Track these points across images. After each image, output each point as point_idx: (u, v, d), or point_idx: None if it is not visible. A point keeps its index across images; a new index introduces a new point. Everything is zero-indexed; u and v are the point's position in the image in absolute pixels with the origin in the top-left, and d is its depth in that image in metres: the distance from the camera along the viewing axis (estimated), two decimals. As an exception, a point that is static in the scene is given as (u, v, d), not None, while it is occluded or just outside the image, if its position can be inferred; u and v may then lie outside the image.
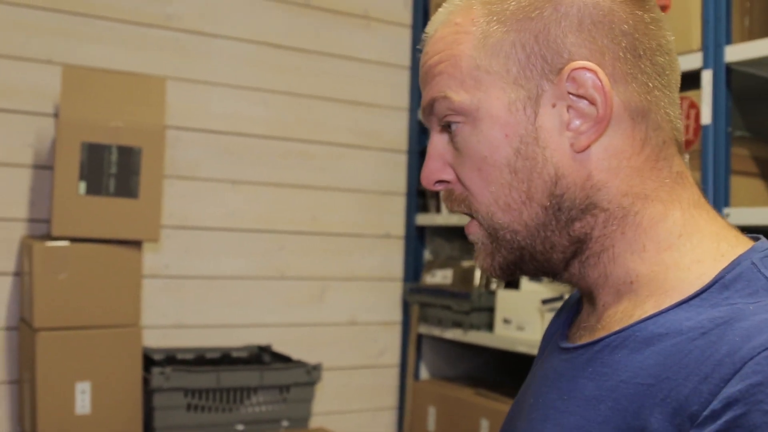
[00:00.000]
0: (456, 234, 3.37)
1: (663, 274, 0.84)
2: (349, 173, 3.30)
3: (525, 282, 2.94)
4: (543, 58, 0.86)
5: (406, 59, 3.44)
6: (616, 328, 0.85)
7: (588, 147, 0.86)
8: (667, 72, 0.89)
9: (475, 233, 0.93)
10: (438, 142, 0.94)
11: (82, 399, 2.46)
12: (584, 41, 0.86)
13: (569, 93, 0.86)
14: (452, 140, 0.91)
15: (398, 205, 3.42)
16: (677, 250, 0.85)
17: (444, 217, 3.24)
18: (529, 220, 0.88)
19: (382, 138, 3.38)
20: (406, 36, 3.44)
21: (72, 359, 2.45)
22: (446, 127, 0.92)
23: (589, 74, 0.84)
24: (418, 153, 3.40)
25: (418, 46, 0.98)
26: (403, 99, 3.43)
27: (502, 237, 0.90)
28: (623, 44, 0.86)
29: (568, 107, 0.86)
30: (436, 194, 3.30)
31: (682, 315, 0.80)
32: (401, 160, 3.43)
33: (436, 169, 0.93)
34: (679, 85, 0.92)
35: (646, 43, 0.87)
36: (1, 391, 2.68)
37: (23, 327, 2.57)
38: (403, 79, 3.43)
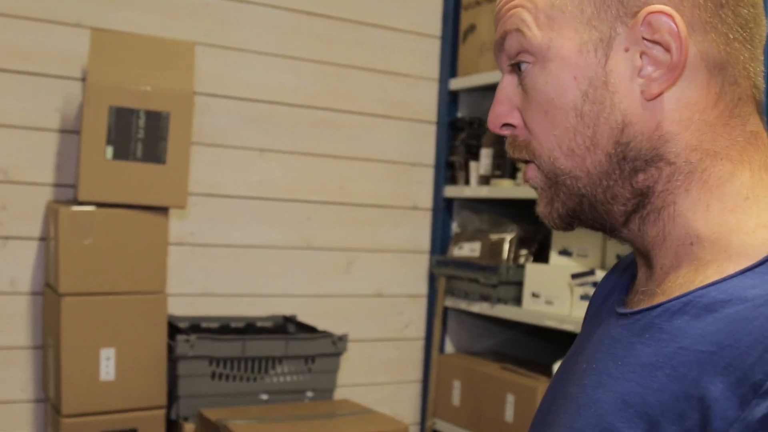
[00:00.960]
0: (484, 206, 3.33)
1: (726, 237, 0.81)
2: (378, 144, 3.26)
3: (554, 256, 2.90)
4: (619, 0, 0.83)
5: (437, 29, 3.39)
6: (677, 293, 0.81)
7: (659, 95, 0.82)
8: (750, 25, 0.85)
9: (534, 178, 0.90)
10: (507, 84, 0.91)
11: (107, 365, 2.44)
12: None
13: (643, 38, 0.82)
14: (521, 82, 0.88)
15: (426, 176, 3.38)
16: (743, 212, 0.81)
17: (472, 190, 3.20)
18: (592, 167, 0.85)
19: (412, 108, 3.34)
20: (437, 5, 3.39)
21: (97, 325, 2.44)
22: (516, 68, 0.89)
23: (665, 18, 0.81)
24: (447, 124, 3.36)
25: None
26: (434, 69, 3.38)
27: (563, 182, 0.87)
28: None
29: (642, 53, 0.82)
30: (465, 166, 3.26)
31: (746, 282, 0.76)
32: (430, 131, 3.39)
33: (503, 113, 0.91)
34: (764, 42, 0.87)
35: None
36: (26, 356, 2.68)
37: (48, 292, 2.56)
38: (434, 48, 3.38)
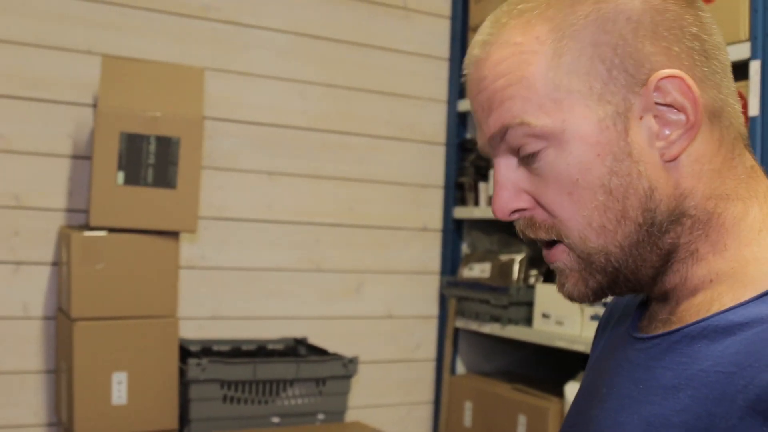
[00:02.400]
0: (494, 227, 3.34)
1: (742, 269, 0.83)
2: (387, 165, 3.28)
3: (564, 276, 2.90)
4: (625, 71, 0.84)
5: (445, 51, 3.41)
6: (694, 319, 0.83)
7: (679, 155, 0.84)
8: (728, 68, 0.88)
9: (562, 260, 0.89)
10: (507, 169, 0.90)
11: (119, 389, 2.45)
12: (661, 49, 0.84)
13: (656, 103, 0.84)
14: (529, 166, 0.87)
15: (436, 197, 3.39)
16: (757, 245, 0.84)
17: (482, 211, 3.21)
18: (623, 240, 0.85)
19: (421, 130, 3.35)
20: (445, 27, 3.41)
21: (109, 349, 2.45)
22: (518, 153, 0.88)
23: (677, 81, 0.83)
24: (456, 145, 3.37)
25: (463, 72, 0.92)
26: (442, 91, 3.40)
27: (597, 261, 0.87)
28: (696, 47, 0.85)
29: (655, 117, 0.84)
30: (475, 187, 3.27)
31: (763, 306, 0.78)
32: (439, 153, 3.40)
33: (509, 198, 0.89)
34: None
35: (711, 42, 0.86)
36: (39, 380, 2.69)
37: (61, 317, 2.58)
38: (442, 70, 3.40)
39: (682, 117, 0.83)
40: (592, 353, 1.09)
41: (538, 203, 0.88)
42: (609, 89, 0.84)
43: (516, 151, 0.88)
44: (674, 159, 0.84)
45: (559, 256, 0.89)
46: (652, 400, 0.82)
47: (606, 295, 0.90)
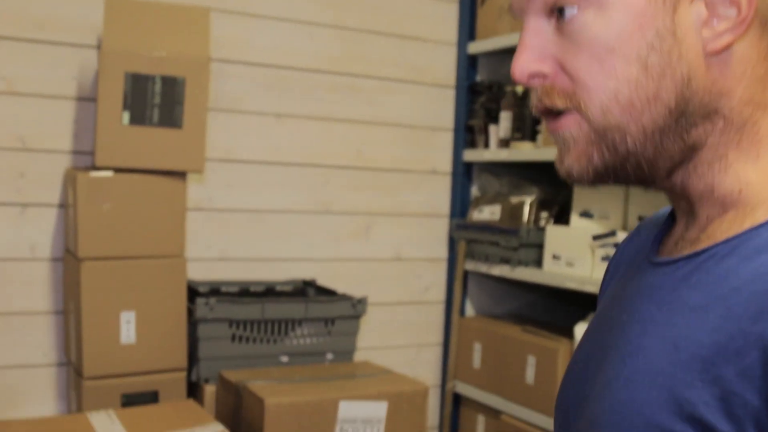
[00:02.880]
0: (504, 170, 3.31)
1: None
2: (396, 108, 3.25)
3: (575, 218, 2.88)
4: None
5: (454, -8, 3.37)
6: (724, 237, 0.80)
7: (723, 50, 0.80)
8: None
9: (571, 129, 0.84)
10: (536, 30, 0.85)
11: (127, 329, 2.46)
12: None
13: None
14: (561, 26, 0.83)
15: (445, 140, 3.37)
16: None
17: (492, 153, 3.18)
18: (648, 123, 0.81)
19: (430, 72, 3.32)
20: (454, -33, 3.36)
21: (117, 289, 2.45)
22: (554, 11, 0.83)
23: None
24: (466, 88, 3.33)
25: None
26: (452, 33, 3.36)
27: (611, 138, 0.82)
28: None
29: (706, 4, 0.80)
30: (485, 130, 3.24)
31: None
32: (449, 95, 3.37)
33: (532, 60, 0.84)
34: None
35: None
36: (48, 321, 2.69)
37: (68, 258, 2.58)
38: (452, 12, 3.36)
39: (733, 12, 0.79)
40: (600, 296, 1.07)
41: (563, 69, 0.83)
42: None
43: (551, 8, 0.83)
44: (717, 52, 0.80)
45: (569, 125, 0.84)
46: (677, 322, 0.79)
47: (607, 180, 0.85)
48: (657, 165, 0.83)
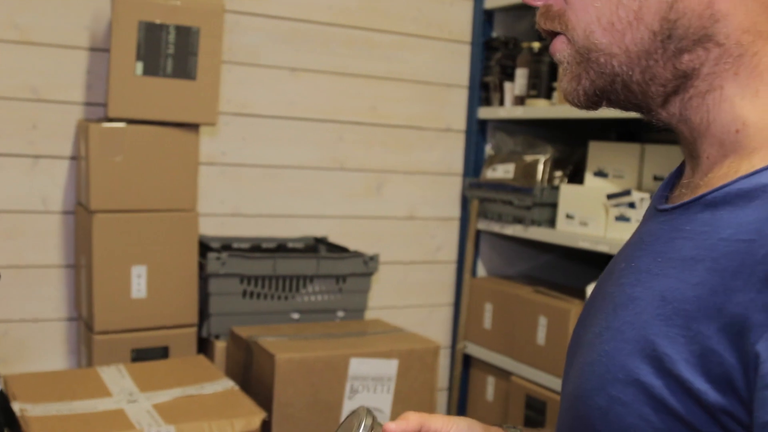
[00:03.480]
0: (519, 128, 3.28)
1: None
2: (411, 64, 3.21)
3: (590, 177, 2.85)
4: None
5: (472, -54, 3.31)
6: (720, 183, 0.77)
7: None
8: None
9: (561, 50, 0.84)
10: None
11: (138, 283, 2.45)
12: None
13: None
14: None
15: (460, 97, 3.33)
16: None
17: (507, 111, 3.14)
18: (632, 45, 0.78)
19: (446, 28, 3.27)
20: None
21: (128, 242, 2.43)
22: None
23: None
24: (481, 44, 3.29)
25: None
26: (468, -12, 3.31)
27: (595, 59, 0.81)
28: None
29: None
30: (500, 87, 3.20)
31: None
32: (465, 52, 3.32)
33: None
34: None
35: None
36: (59, 274, 2.68)
37: (80, 210, 2.56)
38: (469, -34, 3.31)
39: None
40: None
41: None
42: None
43: None
44: None
45: (558, 47, 0.84)
46: (668, 273, 0.76)
47: (601, 102, 0.84)
48: (648, 90, 0.81)
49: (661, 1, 0.76)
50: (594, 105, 0.84)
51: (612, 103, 0.84)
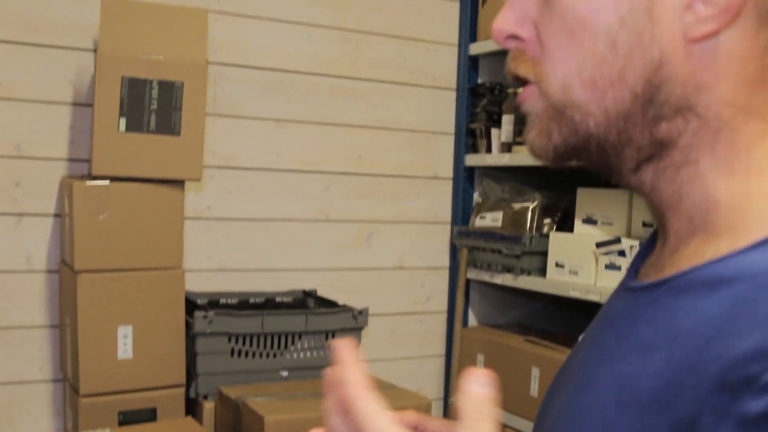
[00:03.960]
0: (507, 175, 3.26)
1: (745, 205, 0.72)
2: (397, 111, 3.19)
3: (579, 224, 2.83)
4: None
5: (456, -7, 3.31)
6: (686, 266, 0.73)
7: (704, 38, 0.72)
8: None
9: (531, 101, 0.79)
10: None
11: (124, 343, 2.40)
12: None
13: None
14: None
15: (447, 144, 3.31)
16: (767, 178, 0.72)
17: (494, 157, 3.13)
18: (612, 105, 0.74)
19: (431, 75, 3.26)
20: (456, -31, 3.30)
21: (114, 302, 2.39)
22: None
23: None
24: (467, 90, 3.28)
25: None
26: (453, 34, 3.30)
27: (570, 116, 0.76)
28: None
29: None
30: (487, 134, 3.19)
31: (758, 257, 0.68)
32: (450, 98, 3.31)
33: (512, 20, 0.79)
34: None
35: None
36: (43, 335, 2.64)
37: (64, 269, 2.52)
38: (453, 13, 3.30)
39: None
40: None
41: (538, 36, 0.78)
42: None
43: None
44: (698, 40, 0.72)
45: (530, 98, 0.79)
46: (627, 359, 0.72)
47: (571, 159, 0.80)
48: (623, 154, 0.77)
49: (646, 64, 0.73)
50: (562, 161, 0.80)
51: (582, 161, 0.80)
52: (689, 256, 0.74)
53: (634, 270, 0.85)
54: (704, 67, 0.73)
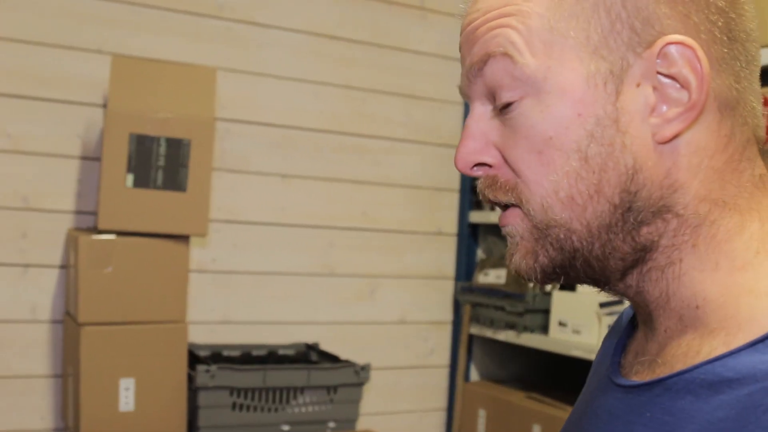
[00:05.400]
0: (510, 232, 3.27)
1: (735, 301, 0.70)
2: (402, 168, 3.22)
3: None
4: (631, 26, 0.72)
5: (461, 52, 3.34)
6: (680, 366, 0.72)
7: (673, 138, 0.72)
8: (755, 62, 0.77)
9: (515, 225, 0.78)
10: (480, 116, 0.79)
11: (126, 396, 2.41)
12: (678, 14, 0.72)
13: (658, 72, 0.72)
14: (503, 115, 0.76)
15: (451, 201, 3.34)
16: (753, 270, 0.71)
17: (498, 214, 3.14)
18: (593, 219, 0.74)
19: (436, 132, 3.30)
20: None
21: (116, 355, 2.41)
22: (494, 99, 0.78)
23: (687, 51, 0.71)
24: (472, 148, 3.30)
25: (460, 5, 0.83)
26: (458, 92, 3.33)
27: (554, 235, 0.75)
28: (719, 23, 0.73)
29: (654, 88, 0.73)
30: (491, 191, 3.21)
31: (757, 357, 0.66)
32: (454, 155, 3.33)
33: (475, 150, 0.78)
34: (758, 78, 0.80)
35: (741, 26, 0.75)
36: (46, 384, 2.65)
37: (68, 321, 2.54)
38: (458, 72, 3.32)
39: (684, 95, 0.72)
40: (594, 362, 0.97)
41: (506, 161, 0.77)
42: (607, 43, 0.73)
43: (492, 95, 0.78)
44: (667, 141, 0.72)
45: (512, 220, 0.78)
46: None
47: (559, 278, 0.78)
48: (608, 265, 0.76)
49: (620, 173, 0.73)
50: (550, 280, 0.79)
51: (569, 278, 0.79)
52: (683, 355, 0.72)
53: (616, 363, 0.83)
54: (677, 165, 0.73)
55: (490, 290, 3.09)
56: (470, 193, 3.31)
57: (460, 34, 0.82)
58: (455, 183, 3.34)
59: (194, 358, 2.61)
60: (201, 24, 2.85)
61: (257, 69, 2.95)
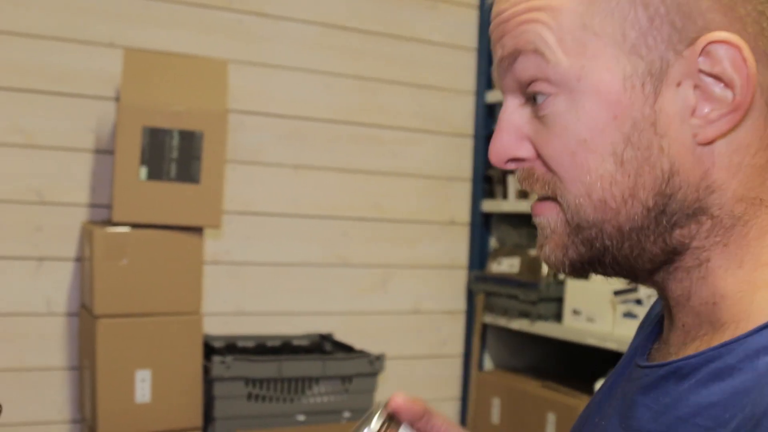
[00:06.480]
0: (523, 221, 3.28)
1: (749, 296, 0.69)
2: (414, 158, 3.23)
3: (595, 272, 2.84)
4: (671, 23, 0.68)
5: (473, 41, 3.34)
6: (690, 352, 0.71)
7: (715, 139, 0.70)
8: None
9: (548, 217, 0.76)
10: (513, 110, 0.76)
11: (142, 387, 2.43)
12: (722, 6, 0.68)
13: (700, 71, 0.69)
14: (538, 112, 0.74)
15: (464, 191, 3.34)
16: None
17: (511, 204, 3.15)
18: (625, 222, 0.72)
19: (448, 122, 3.30)
20: (473, 17, 3.34)
21: (132, 347, 2.42)
22: (526, 94, 0.75)
23: (731, 50, 0.67)
24: (484, 138, 3.31)
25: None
26: (470, 82, 3.34)
27: (586, 234, 0.73)
28: (767, 14, 0.70)
29: (696, 86, 0.69)
30: (503, 180, 3.22)
31: (760, 343, 0.65)
32: (467, 145, 3.34)
33: (509, 145, 0.76)
34: None
35: None
36: (62, 377, 2.67)
37: (84, 313, 2.55)
38: (470, 61, 3.34)
39: (728, 94, 0.68)
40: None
41: (539, 155, 0.75)
42: (646, 41, 0.69)
43: (524, 89, 0.75)
44: (709, 143, 0.69)
45: (547, 212, 0.76)
46: None
47: (587, 272, 0.77)
48: (636, 264, 0.74)
49: (656, 177, 0.70)
50: (578, 274, 0.78)
51: (596, 272, 0.78)
52: (695, 348, 0.72)
53: (647, 348, 0.83)
54: (716, 165, 0.70)
55: (504, 279, 3.10)
56: (482, 182, 3.31)
57: (491, 21, 0.78)
58: (467, 172, 3.34)
59: (209, 349, 2.63)
60: (212, 17, 2.85)
61: (268, 61, 2.95)
